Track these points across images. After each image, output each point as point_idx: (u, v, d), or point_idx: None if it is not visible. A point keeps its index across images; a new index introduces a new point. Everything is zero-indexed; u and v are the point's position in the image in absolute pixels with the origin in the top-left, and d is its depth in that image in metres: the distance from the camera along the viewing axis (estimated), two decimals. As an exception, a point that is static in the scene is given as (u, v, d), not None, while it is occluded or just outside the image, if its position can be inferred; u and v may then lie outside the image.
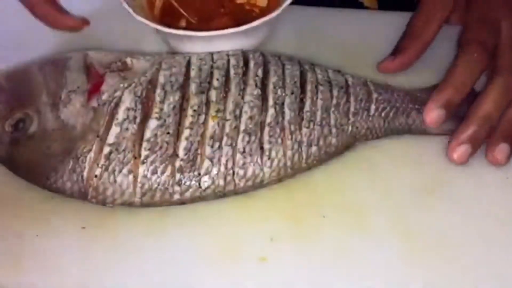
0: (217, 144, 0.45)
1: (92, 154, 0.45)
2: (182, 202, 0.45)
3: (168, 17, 0.56)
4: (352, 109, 0.49)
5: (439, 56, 0.52)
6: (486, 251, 0.44)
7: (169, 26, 0.52)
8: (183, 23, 0.56)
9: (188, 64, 0.49)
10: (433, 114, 0.48)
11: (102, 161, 0.45)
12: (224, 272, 0.43)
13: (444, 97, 0.48)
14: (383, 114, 0.49)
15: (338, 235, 0.45)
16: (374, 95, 0.49)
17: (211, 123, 0.46)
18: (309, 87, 0.48)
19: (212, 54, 0.50)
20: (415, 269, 0.43)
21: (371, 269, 0.43)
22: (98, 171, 0.45)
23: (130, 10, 0.52)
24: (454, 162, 0.47)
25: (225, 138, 0.45)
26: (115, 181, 0.45)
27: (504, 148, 0.47)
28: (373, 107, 0.49)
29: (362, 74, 0.51)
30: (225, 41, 0.51)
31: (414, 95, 0.50)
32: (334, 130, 0.48)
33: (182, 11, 0.57)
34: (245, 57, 0.50)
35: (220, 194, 0.45)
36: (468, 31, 0.51)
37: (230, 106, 0.46)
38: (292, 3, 0.51)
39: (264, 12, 0.55)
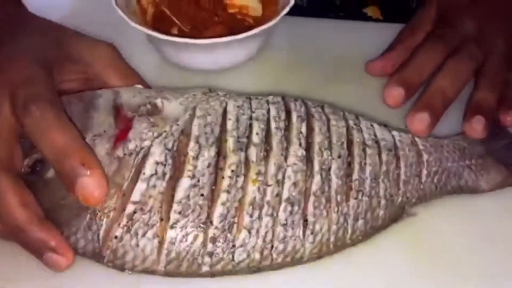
0: (256, 213, 0.40)
1: (112, 212, 0.39)
2: (211, 275, 0.40)
3: (160, 25, 0.55)
4: (402, 177, 0.44)
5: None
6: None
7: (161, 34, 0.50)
8: (175, 31, 0.55)
9: (225, 112, 0.43)
10: (393, 93, 0.50)
11: (124, 221, 0.39)
12: None
13: (403, 77, 0.51)
14: (435, 180, 0.45)
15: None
16: (425, 157, 0.45)
17: (252, 188, 0.40)
18: (356, 150, 0.43)
19: (250, 100, 0.45)
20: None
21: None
22: (119, 232, 0.39)
23: (126, 18, 0.50)
24: (415, 132, 0.47)
25: (265, 207, 0.40)
26: (137, 245, 0.39)
27: (480, 119, 0.48)
28: (424, 172, 0.45)
29: (362, 85, 0.53)
30: (222, 50, 0.51)
31: (461, 146, 0.47)
32: (383, 201, 0.43)
33: (174, 19, 0.55)
34: (286, 106, 0.45)
35: (254, 269, 0.40)
36: (433, 30, 0.55)
37: (272, 168, 0.41)
38: (293, 15, 0.52)
39: (259, 21, 0.55)
